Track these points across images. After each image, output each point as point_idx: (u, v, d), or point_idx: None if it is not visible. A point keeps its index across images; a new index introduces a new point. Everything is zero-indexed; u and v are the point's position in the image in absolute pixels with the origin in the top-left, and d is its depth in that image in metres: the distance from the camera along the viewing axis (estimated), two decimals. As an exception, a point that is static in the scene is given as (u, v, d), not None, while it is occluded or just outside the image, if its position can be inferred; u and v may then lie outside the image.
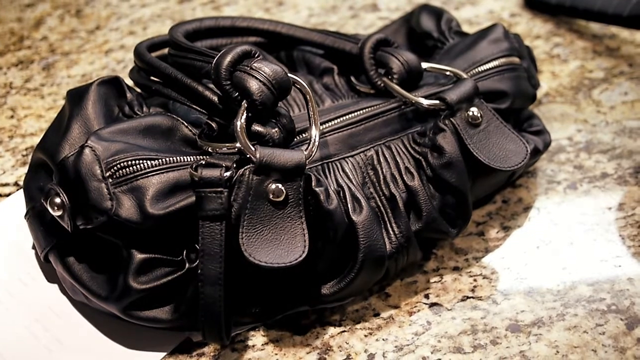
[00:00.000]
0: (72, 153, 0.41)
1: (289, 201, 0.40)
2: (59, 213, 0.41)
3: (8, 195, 0.52)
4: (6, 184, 0.53)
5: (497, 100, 0.48)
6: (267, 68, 0.41)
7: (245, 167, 0.40)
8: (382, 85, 0.47)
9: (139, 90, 0.48)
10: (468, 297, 0.45)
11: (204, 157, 0.41)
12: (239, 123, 0.40)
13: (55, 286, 0.46)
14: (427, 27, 0.55)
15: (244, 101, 0.41)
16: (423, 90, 0.48)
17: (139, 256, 0.40)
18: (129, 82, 0.47)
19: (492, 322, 0.44)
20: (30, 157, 0.55)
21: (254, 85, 0.40)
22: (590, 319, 0.43)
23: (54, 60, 0.64)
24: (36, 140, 0.56)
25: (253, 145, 0.40)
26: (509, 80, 0.49)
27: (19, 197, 0.51)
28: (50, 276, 0.46)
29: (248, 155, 0.40)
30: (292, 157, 0.40)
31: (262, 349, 0.43)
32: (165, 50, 0.52)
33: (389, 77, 0.47)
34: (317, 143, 0.41)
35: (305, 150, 0.41)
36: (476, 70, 0.48)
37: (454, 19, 0.55)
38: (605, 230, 0.48)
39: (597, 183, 0.52)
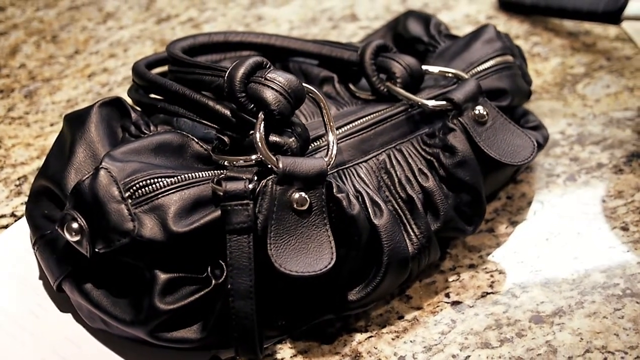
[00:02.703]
0: (87, 176, 0.40)
1: (312, 209, 0.40)
2: (77, 238, 0.39)
3: (6, 227, 0.50)
4: (2, 216, 0.51)
5: (498, 98, 0.49)
6: (282, 77, 0.41)
7: (268, 178, 0.39)
8: (385, 90, 0.48)
9: (139, 109, 0.47)
10: (487, 293, 0.46)
11: (221, 171, 0.41)
12: (258, 134, 0.40)
13: (69, 315, 0.45)
14: (415, 32, 0.56)
15: (261, 112, 0.40)
16: (425, 92, 0.48)
17: (163, 276, 0.40)
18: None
19: (515, 315, 0.44)
20: (23, 186, 0.53)
21: (270, 95, 0.40)
22: (608, 305, 0.44)
23: (36, 88, 0.62)
24: (27, 169, 0.55)
25: (274, 155, 0.40)
26: (507, 78, 0.50)
27: (19, 228, 0.50)
28: (63, 306, 0.45)
29: (269, 166, 0.39)
30: (313, 165, 0.40)
31: (291, 361, 0.42)
32: (162, 68, 0.52)
33: (392, 81, 0.47)
34: (335, 149, 0.41)
35: (325, 157, 0.41)
36: (475, 70, 0.49)
37: (443, 23, 0.56)
38: (608, 218, 0.50)
39: (594, 173, 0.53)
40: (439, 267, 0.47)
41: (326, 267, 0.39)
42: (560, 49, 0.64)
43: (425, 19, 0.56)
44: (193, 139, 0.43)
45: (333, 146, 0.41)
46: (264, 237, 0.39)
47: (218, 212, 0.39)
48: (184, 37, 0.52)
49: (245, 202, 0.38)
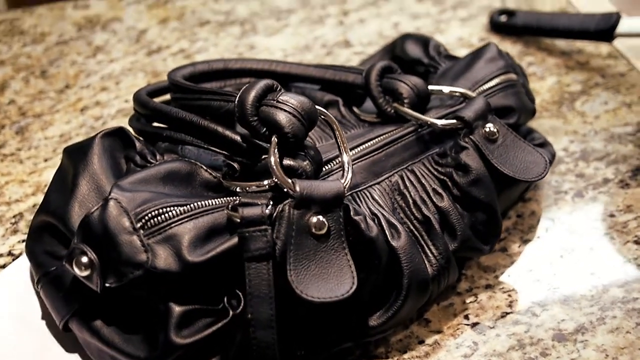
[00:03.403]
0: (95, 208, 0.38)
1: (331, 233, 0.39)
2: (86, 273, 0.38)
3: (3, 266, 0.49)
4: (-1, 255, 0.49)
5: (505, 116, 0.49)
6: (294, 100, 0.40)
7: (284, 203, 0.38)
8: (392, 111, 0.47)
9: (141, 138, 0.46)
10: (507, 313, 0.45)
11: (234, 198, 0.40)
12: (272, 159, 0.39)
13: (75, 356, 0.43)
14: (414, 54, 0.55)
15: (274, 136, 0.40)
16: (433, 112, 0.48)
17: (177, 309, 0.38)
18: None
19: (537, 334, 0.43)
20: (19, 224, 0.52)
21: (283, 118, 0.39)
22: (630, 319, 0.44)
23: (27, 123, 0.61)
24: (23, 206, 0.53)
25: (289, 179, 0.39)
26: (512, 95, 0.50)
27: (17, 267, 0.48)
28: (69, 345, 0.43)
29: (285, 190, 0.38)
30: (330, 188, 0.39)
31: (312, 393, 0.41)
32: (162, 97, 0.51)
33: (399, 102, 0.47)
34: (351, 170, 0.40)
35: (341, 178, 0.40)
36: (480, 89, 0.49)
37: (441, 45, 0.56)
38: (620, 233, 0.49)
39: (601, 189, 0.53)
40: (455, 289, 0.46)
41: (348, 291, 0.38)
42: (554, 67, 0.65)
43: (423, 41, 0.56)
44: (201, 167, 0.42)
45: (349, 168, 0.40)
46: (283, 263, 0.38)
47: (235, 240, 0.38)
48: (184, 65, 0.51)
49: (263, 227, 0.37)
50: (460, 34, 0.70)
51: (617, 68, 0.65)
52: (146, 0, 0.76)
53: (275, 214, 0.38)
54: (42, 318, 0.45)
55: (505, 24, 0.69)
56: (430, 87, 0.48)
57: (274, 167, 0.39)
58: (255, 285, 0.37)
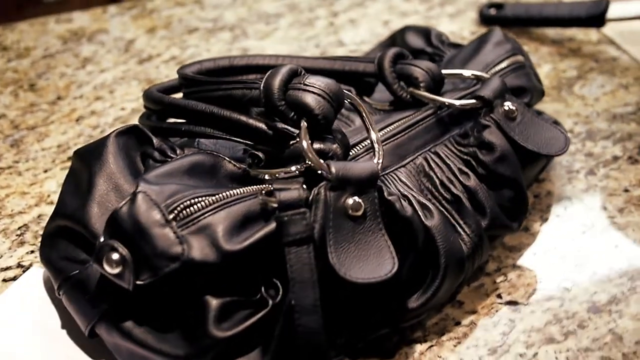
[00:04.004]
0: (123, 203, 0.37)
1: (367, 214, 0.38)
2: (118, 270, 0.36)
3: (14, 278, 0.46)
4: (8, 268, 0.47)
5: (519, 96, 0.49)
6: (321, 82, 0.39)
7: (320, 185, 0.38)
8: (407, 96, 0.47)
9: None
10: (538, 290, 0.44)
11: (264, 186, 0.39)
12: (305, 143, 0.38)
13: (102, 362, 0.41)
14: (416, 45, 0.55)
15: (303, 119, 0.39)
16: (448, 95, 0.48)
17: (215, 302, 0.37)
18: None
19: (572, 308, 0.43)
20: (25, 235, 0.50)
21: (312, 100, 0.39)
22: (660, 288, 0.44)
23: (21, 136, 0.59)
24: (27, 217, 0.51)
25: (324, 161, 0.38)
26: (523, 76, 0.50)
27: (28, 278, 0.46)
28: (95, 353, 0.41)
29: (320, 172, 0.38)
30: (364, 168, 0.38)
31: (355, 381, 0.40)
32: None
33: (415, 86, 0.47)
34: (381, 149, 0.40)
35: (374, 158, 0.39)
36: (492, 71, 0.49)
37: (444, 33, 0.56)
38: (637, 206, 0.50)
39: (612, 166, 0.53)
40: (484, 270, 0.46)
41: (390, 271, 0.37)
42: (548, 56, 0.66)
43: (424, 31, 0.56)
44: (225, 158, 0.41)
45: (379, 147, 0.40)
46: (322, 246, 0.37)
47: (272, 226, 0.37)
48: (190, 63, 0.50)
49: (302, 210, 0.36)
50: (451, 29, 0.70)
51: (608, 53, 0.66)
52: (130, 12, 0.75)
53: (311, 197, 0.37)
54: (62, 327, 0.43)
55: (495, 17, 0.69)
56: (444, 71, 0.48)
57: (306, 150, 0.38)
58: (297, 270, 0.36)
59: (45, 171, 0.55)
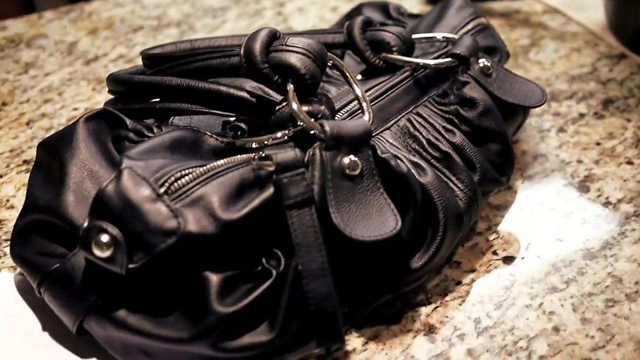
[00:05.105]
0: (107, 181, 0.34)
1: (364, 173, 0.37)
2: (108, 253, 0.34)
3: (-20, 287, 0.43)
4: (-28, 277, 0.43)
5: (490, 55, 0.49)
6: (303, 41, 0.38)
7: (314, 146, 0.36)
8: (380, 63, 0.46)
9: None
10: (532, 243, 0.44)
11: (253, 154, 0.37)
12: (295, 104, 0.37)
13: (93, 360, 0.38)
14: (376, 19, 0.55)
15: (289, 82, 0.37)
16: (421, 59, 0.47)
17: (215, 277, 0.35)
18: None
19: (568, 257, 0.43)
20: (-13, 243, 0.46)
21: (297, 60, 0.37)
22: (648, 229, 0.44)
23: (-33, 145, 0.55)
24: (-14, 225, 0.47)
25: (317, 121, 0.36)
26: (490, 36, 0.50)
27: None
28: (84, 352, 0.38)
29: (313, 132, 0.36)
30: (357, 126, 0.37)
31: (364, 349, 0.38)
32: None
33: (388, 51, 0.46)
34: (369, 106, 0.39)
35: (364, 116, 0.38)
36: (460, 33, 0.49)
37: (402, 6, 0.56)
38: (611, 157, 0.50)
39: (580, 122, 0.54)
40: (475, 230, 0.45)
41: (395, 228, 0.36)
42: (499, 27, 0.66)
43: (381, 5, 0.56)
44: (206, 133, 0.39)
45: (367, 104, 0.39)
46: (323, 208, 0.35)
47: (270, 191, 0.35)
48: (151, 47, 0.48)
49: (301, 170, 0.35)
50: (401, 9, 0.70)
51: (555, 21, 0.67)
52: (68, 15, 0.72)
53: (306, 160, 0.36)
54: (44, 330, 0.40)
55: (442, -5, 0.70)
56: (414, 36, 0.48)
57: (298, 112, 0.36)
58: (301, 234, 0.34)
59: (1, 176, 0.51)
